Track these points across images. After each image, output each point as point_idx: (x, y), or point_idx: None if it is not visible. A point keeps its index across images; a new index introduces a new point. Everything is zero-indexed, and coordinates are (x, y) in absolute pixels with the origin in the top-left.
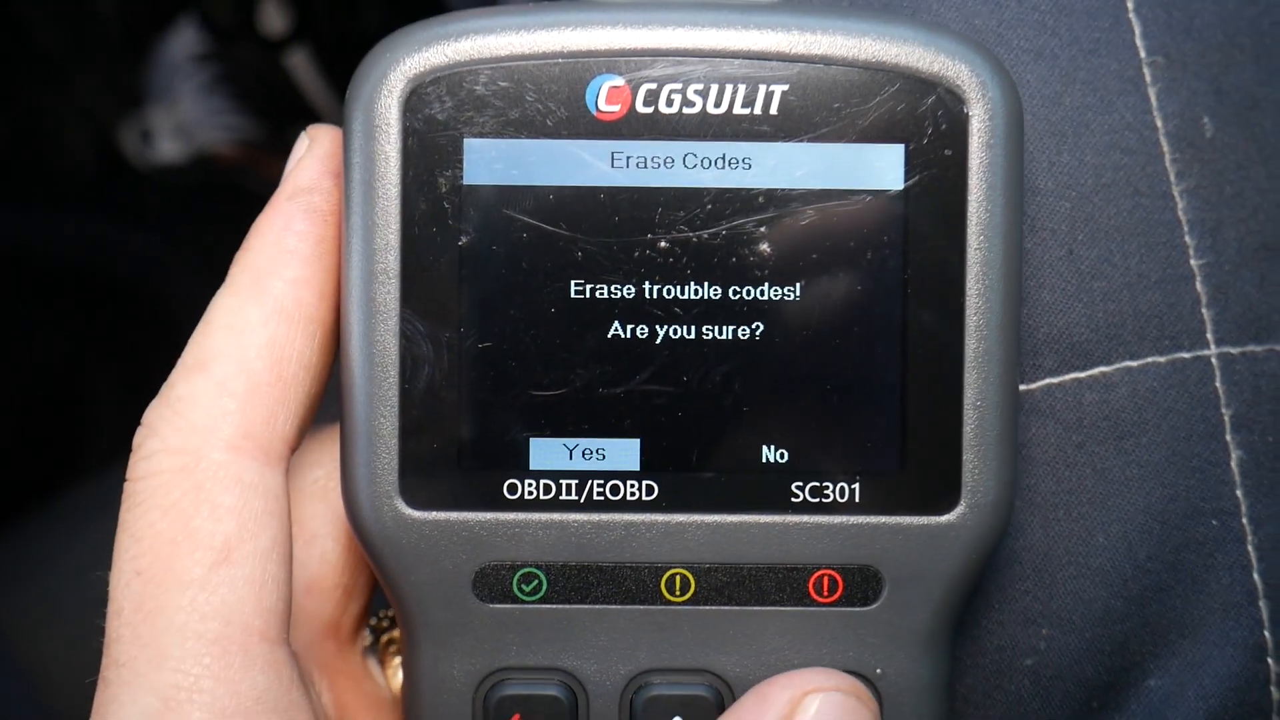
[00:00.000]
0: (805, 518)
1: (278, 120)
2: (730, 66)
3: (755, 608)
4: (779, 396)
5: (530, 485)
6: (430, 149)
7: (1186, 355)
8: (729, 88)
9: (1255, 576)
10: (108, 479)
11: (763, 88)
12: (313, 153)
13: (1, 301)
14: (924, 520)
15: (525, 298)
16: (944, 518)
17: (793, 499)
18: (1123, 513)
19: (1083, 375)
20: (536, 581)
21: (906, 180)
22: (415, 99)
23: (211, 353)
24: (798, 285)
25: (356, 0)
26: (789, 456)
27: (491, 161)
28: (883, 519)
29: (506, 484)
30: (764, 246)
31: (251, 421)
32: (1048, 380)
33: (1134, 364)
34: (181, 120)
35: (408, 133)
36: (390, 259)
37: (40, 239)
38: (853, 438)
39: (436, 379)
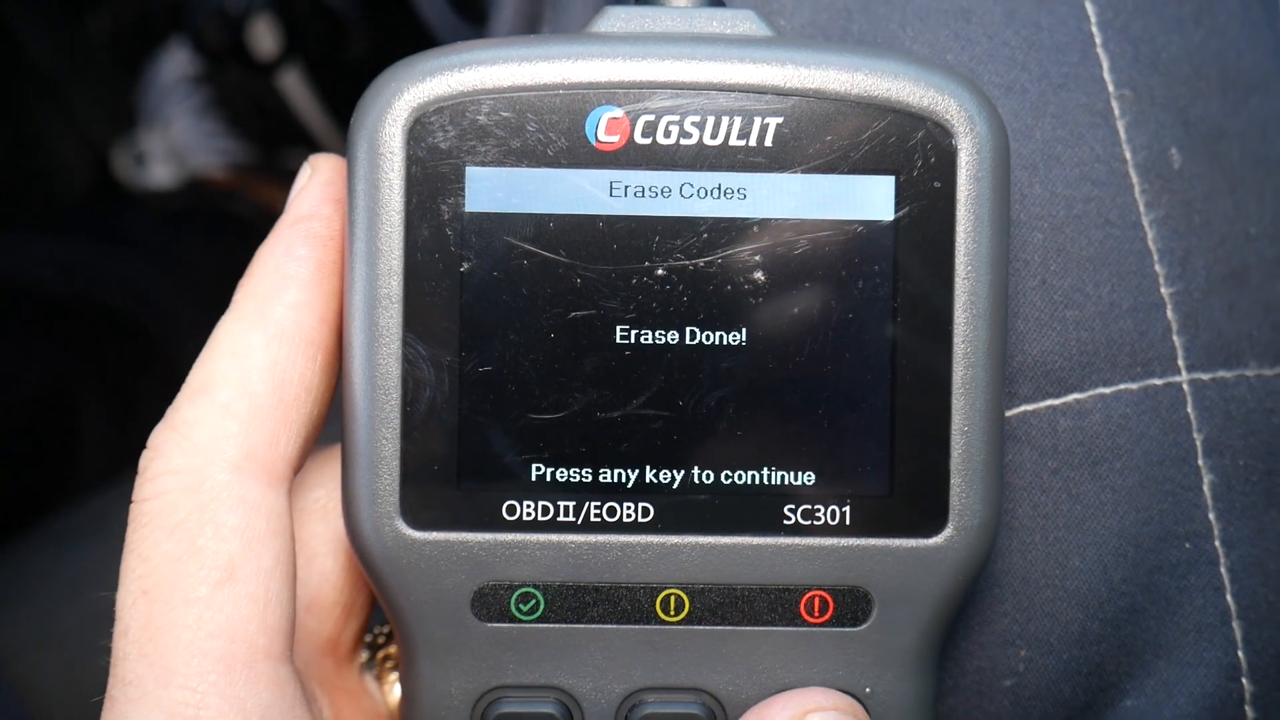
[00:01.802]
0: (797, 540)
1: (271, 143)
2: (726, 99)
3: (748, 628)
4: (772, 421)
5: (529, 506)
6: (433, 177)
7: (1158, 382)
8: (725, 120)
9: (1228, 598)
10: (99, 499)
11: (758, 120)
12: (314, 181)
13: None
14: (913, 543)
15: (525, 323)
16: (932, 540)
17: (785, 521)
18: (1098, 536)
19: (1057, 402)
20: (534, 601)
21: (897, 211)
22: (419, 128)
23: (215, 377)
24: (791, 313)
25: (344, 23)
26: (781, 480)
27: (493, 190)
28: (873, 541)
29: (505, 505)
30: (758, 275)
31: (254, 443)
32: (1024, 407)
33: (1107, 391)
34: (174, 143)
35: (411, 161)
36: (393, 284)
37: (30, 262)
38: (844, 462)
39: (437, 401)
